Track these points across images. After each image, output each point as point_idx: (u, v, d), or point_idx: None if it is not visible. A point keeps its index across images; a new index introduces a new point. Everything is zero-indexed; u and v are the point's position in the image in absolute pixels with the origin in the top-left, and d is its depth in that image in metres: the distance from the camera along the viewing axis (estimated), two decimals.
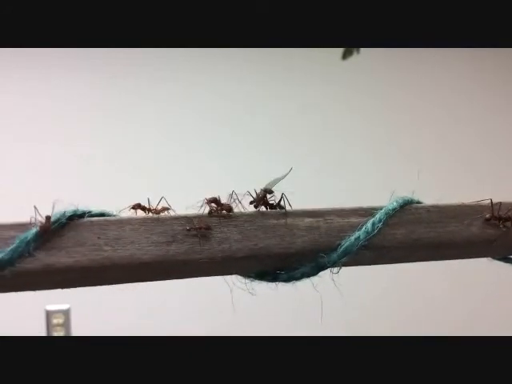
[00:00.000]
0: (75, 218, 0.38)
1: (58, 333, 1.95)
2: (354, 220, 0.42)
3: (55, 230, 0.37)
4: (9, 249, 0.35)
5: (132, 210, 0.44)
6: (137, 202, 0.45)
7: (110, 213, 0.41)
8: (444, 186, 1.73)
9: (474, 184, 2.01)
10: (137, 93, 2.00)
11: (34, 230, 0.36)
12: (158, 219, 0.40)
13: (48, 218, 0.36)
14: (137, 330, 1.78)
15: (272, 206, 0.44)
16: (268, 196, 0.43)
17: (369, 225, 0.41)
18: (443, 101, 2.18)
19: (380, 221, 0.41)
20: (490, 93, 2.21)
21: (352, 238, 0.41)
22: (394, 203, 0.42)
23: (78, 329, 1.88)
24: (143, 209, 0.44)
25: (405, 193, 0.45)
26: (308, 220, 0.42)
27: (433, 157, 2.15)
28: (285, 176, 0.46)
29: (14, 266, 0.35)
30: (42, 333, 1.90)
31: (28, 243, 0.36)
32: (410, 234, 0.42)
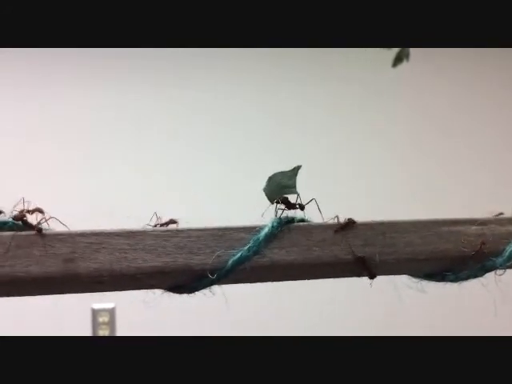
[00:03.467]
0: (288, 223, 0.45)
1: (104, 331, 2.02)
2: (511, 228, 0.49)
3: (276, 232, 0.44)
4: (246, 248, 0.42)
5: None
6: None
7: (307, 219, 0.47)
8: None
9: None
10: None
11: (263, 232, 0.43)
12: (352, 225, 0.46)
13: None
14: (176, 330, 1.84)
15: (291, 205, 0.47)
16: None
17: None
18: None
19: None
20: None
21: None
22: None
23: (123, 327, 1.95)
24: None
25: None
26: (474, 228, 0.48)
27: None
28: (295, 176, 0.48)
29: (251, 262, 0.42)
30: (88, 330, 1.97)
31: (260, 243, 0.42)
32: None
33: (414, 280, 0.50)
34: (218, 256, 0.42)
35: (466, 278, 0.48)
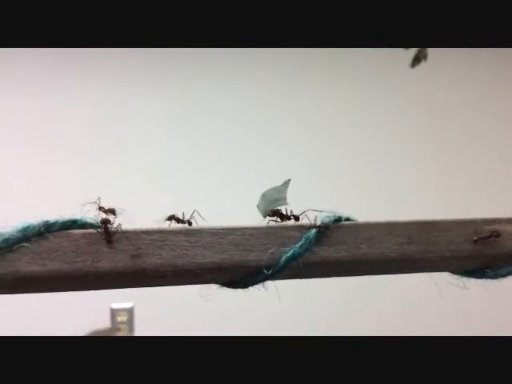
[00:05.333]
0: (336, 222, 0.47)
1: (122, 331, 2.04)
2: None
3: (326, 231, 0.46)
4: (298, 245, 0.44)
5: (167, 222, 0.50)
6: (171, 214, 0.50)
7: (352, 218, 0.49)
8: None
9: None
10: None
11: (313, 231, 0.45)
12: (394, 223, 0.48)
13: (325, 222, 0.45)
14: (194, 331, 1.85)
15: (284, 217, 0.48)
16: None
17: None
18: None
19: None
20: None
21: None
22: None
23: (141, 326, 1.98)
24: (177, 220, 0.50)
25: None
26: None
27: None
28: (286, 189, 0.49)
29: (302, 259, 0.44)
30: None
31: (310, 241, 0.44)
32: None
33: (455, 277, 0.52)
34: (272, 253, 0.44)
35: (506, 275, 0.50)
